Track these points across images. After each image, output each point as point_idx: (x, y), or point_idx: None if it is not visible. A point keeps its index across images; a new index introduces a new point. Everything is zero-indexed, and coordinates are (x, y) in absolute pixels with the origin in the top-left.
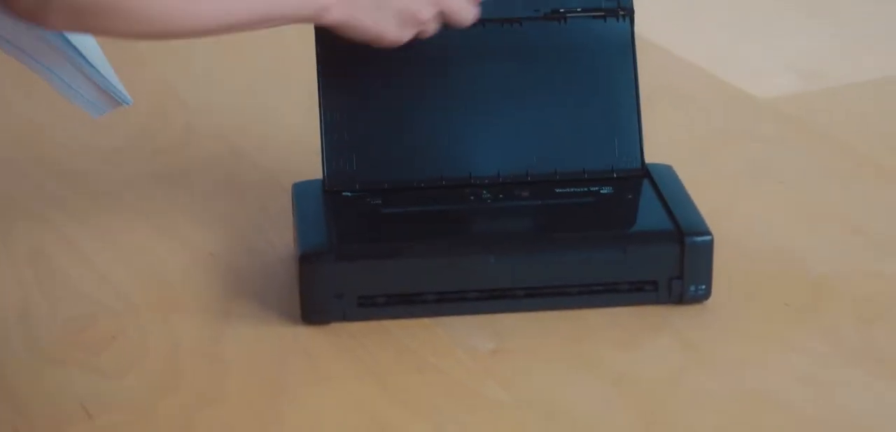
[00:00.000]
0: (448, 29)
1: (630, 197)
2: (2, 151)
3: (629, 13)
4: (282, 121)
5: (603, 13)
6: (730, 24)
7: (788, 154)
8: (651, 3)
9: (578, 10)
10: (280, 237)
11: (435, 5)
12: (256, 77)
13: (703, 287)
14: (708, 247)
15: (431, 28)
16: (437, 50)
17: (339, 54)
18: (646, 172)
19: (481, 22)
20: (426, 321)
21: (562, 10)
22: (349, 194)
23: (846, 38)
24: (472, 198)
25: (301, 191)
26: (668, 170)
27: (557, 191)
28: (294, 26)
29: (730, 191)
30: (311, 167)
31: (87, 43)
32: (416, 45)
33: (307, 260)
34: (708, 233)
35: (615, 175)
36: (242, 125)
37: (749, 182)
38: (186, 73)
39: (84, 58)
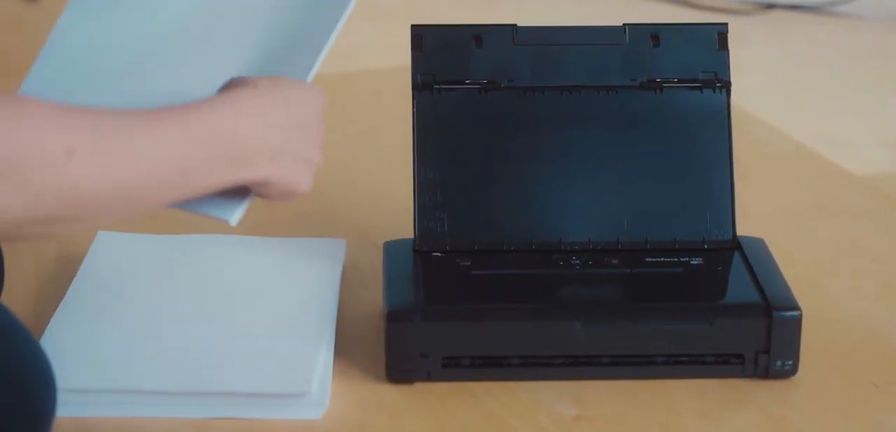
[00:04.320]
0: (544, 94)
1: (720, 269)
2: None
3: (726, 85)
4: (376, 180)
5: (700, 84)
6: (827, 97)
7: (882, 230)
8: (748, 75)
9: (675, 80)
10: (369, 294)
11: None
12: (352, 135)
13: (790, 362)
14: (796, 323)
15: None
16: (532, 115)
17: (435, 116)
18: (737, 245)
19: (577, 88)
20: (510, 384)
21: (658, 80)
22: (439, 254)
23: None
24: (561, 263)
25: (391, 249)
26: (759, 244)
27: (647, 259)
28: (392, 86)
29: (821, 265)
30: (403, 226)
31: None
32: (512, 111)
33: (394, 318)
34: (797, 307)
35: (706, 246)
36: (337, 182)
37: (841, 257)
38: None
39: None
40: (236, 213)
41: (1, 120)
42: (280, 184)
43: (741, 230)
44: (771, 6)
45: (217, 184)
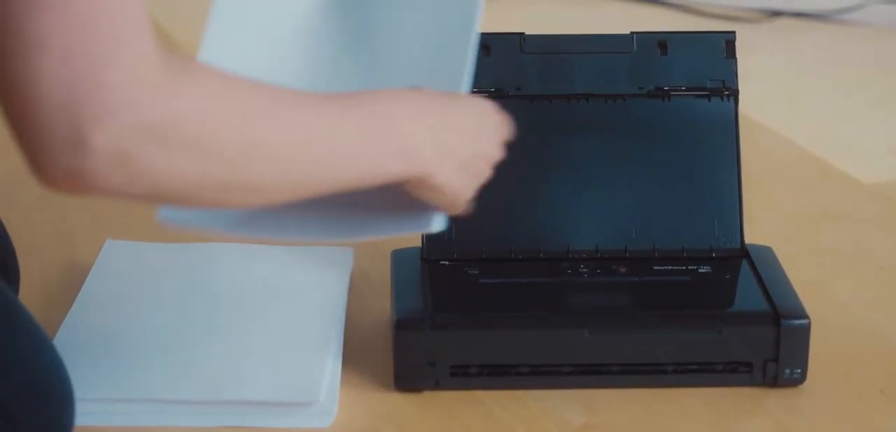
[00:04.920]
0: (552, 103)
1: (728, 277)
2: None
3: (734, 93)
4: None
5: (707, 93)
6: (836, 105)
7: (889, 237)
8: (755, 83)
9: (683, 88)
10: (377, 303)
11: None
12: None
13: (799, 370)
14: (804, 331)
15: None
16: (540, 123)
17: None
18: (745, 253)
19: (585, 97)
20: (518, 393)
21: (666, 88)
22: (447, 263)
23: None
24: (569, 271)
25: (399, 258)
26: (767, 252)
27: (655, 268)
28: None
29: (829, 273)
30: (411, 235)
31: None
32: (520, 119)
33: (402, 326)
34: (805, 316)
35: (714, 254)
36: None
37: (849, 265)
38: None
39: None
40: (436, 219)
41: (176, 84)
42: (446, 189)
43: (749, 238)
44: (777, 14)
45: (388, 173)
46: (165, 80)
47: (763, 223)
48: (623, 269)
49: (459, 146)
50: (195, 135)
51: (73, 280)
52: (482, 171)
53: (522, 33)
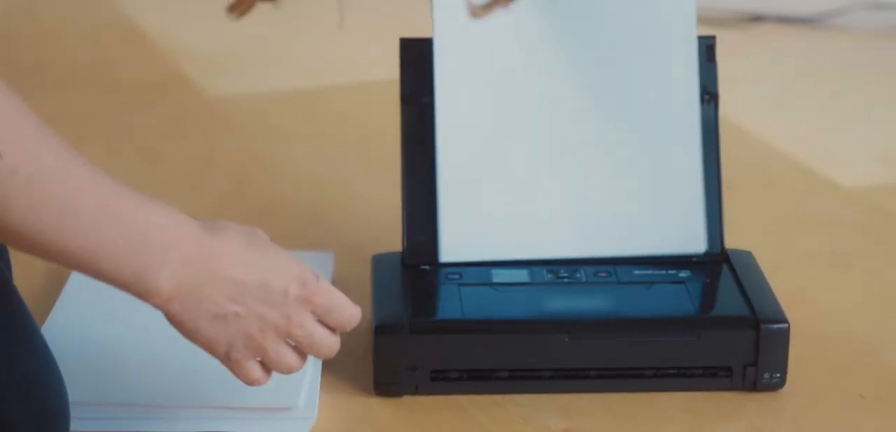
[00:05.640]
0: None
1: (708, 281)
2: None
3: (714, 97)
4: (365, 193)
5: None
6: (818, 111)
7: (871, 243)
8: (737, 88)
9: None
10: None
11: (285, 335)
12: (341, 148)
13: (778, 375)
14: (783, 335)
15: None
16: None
17: (424, 129)
18: (725, 257)
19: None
20: (498, 397)
21: None
22: (427, 268)
23: None
24: (549, 275)
25: (380, 262)
26: (747, 256)
27: (636, 272)
28: (382, 99)
29: (810, 278)
30: (393, 239)
31: None
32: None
33: (382, 331)
34: (784, 320)
35: (694, 258)
36: (326, 196)
37: (829, 270)
38: (274, 142)
39: None
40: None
41: None
42: (191, 335)
43: (730, 243)
44: (760, 18)
45: (116, 279)
46: None
47: (744, 228)
48: (603, 274)
49: (218, 297)
50: None
51: (53, 284)
52: (256, 338)
53: None
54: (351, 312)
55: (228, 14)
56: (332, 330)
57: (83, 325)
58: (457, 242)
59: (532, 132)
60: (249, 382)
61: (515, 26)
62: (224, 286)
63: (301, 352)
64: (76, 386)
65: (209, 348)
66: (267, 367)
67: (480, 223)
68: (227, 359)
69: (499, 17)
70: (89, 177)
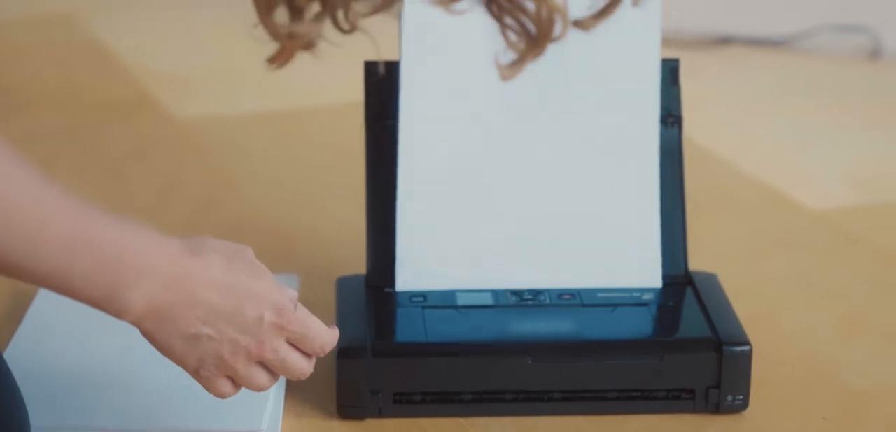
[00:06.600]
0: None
1: (671, 304)
2: None
3: (678, 120)
4: (330, 216)
5: None
6: (783, 132)
7: (835, 265)
8: (704, 110)
9: None
10: None
11: (257, 359)
12: (306, 171)
13: (741, 397)
14: (746, 357)
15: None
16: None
17: (388, 151)
18: (689, 280)
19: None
20: (461, 420)
21: None
22: (391, 290)
23: None
24: (512, 298)
25: (344, 285)
26: (711, 278)
27: (599, 294)
28: (349, 121)
29: (773, 300)
30: (358, 262)
31: None
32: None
33: (345, 354)
34: (747, 342)
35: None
36: (293, 217)
37: (794, 292)
38: (240, 163)
39: None
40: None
41: None
42: (162, 350)
43: (695, 265)
44: (728, 41)
45: (87, 296)
46: None
47: (709, 251)
48: (566, 296)
49: (192, 319)
50: None
51: (17, 307)
52: (227, 360)
53: None
54: (326, 339)
55: (269, 65)
56: (307, 354)
57: (47, 348)
58: (413, 270)
59: (494, 159)
60: (218, 395)
61: (481, 53)
62: (198, 308)
63: (273, 372)
64: (36, 411)
65: (180, 363)
66: (237, 384)
67: (437, 251)
68: (196, 374)
69: (464, 38)
70: (62, 202)
